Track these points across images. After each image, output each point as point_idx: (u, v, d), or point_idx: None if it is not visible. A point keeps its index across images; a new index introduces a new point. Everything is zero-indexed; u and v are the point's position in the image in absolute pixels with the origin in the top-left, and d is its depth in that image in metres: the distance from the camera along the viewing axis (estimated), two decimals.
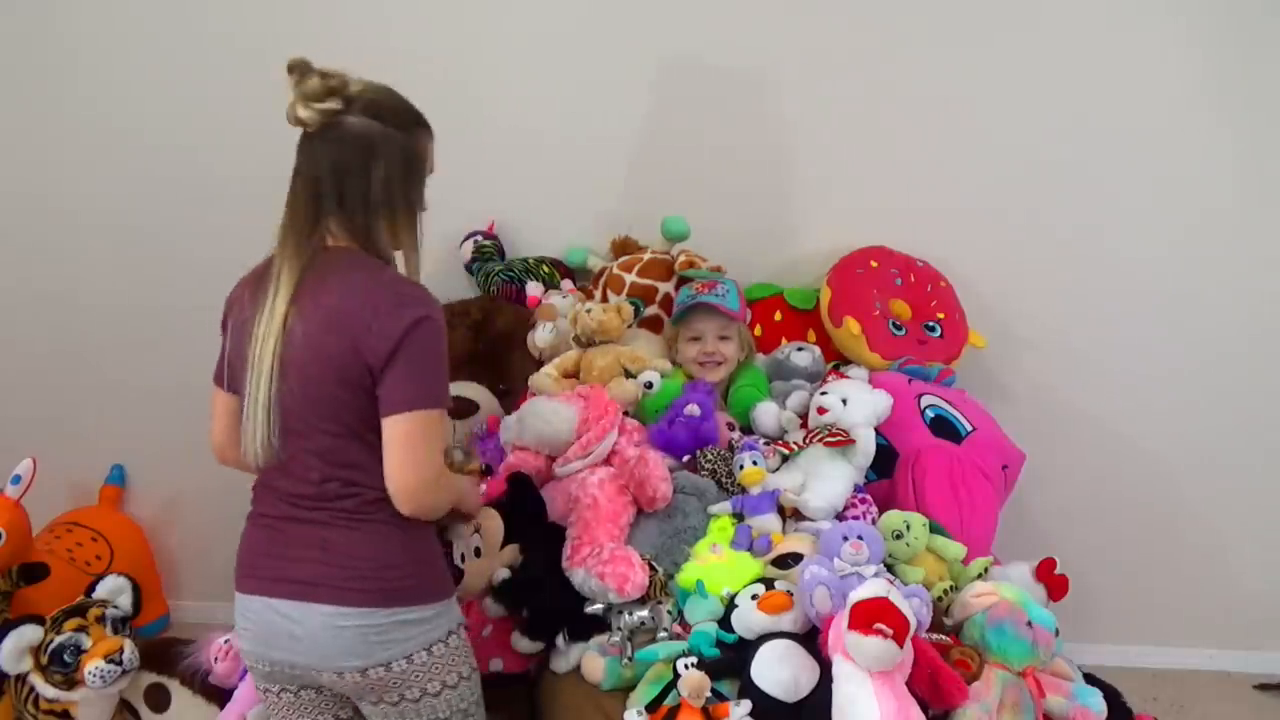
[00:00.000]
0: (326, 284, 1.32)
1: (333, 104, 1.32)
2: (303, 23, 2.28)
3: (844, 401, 1.92)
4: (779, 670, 1.47)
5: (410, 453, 1.29)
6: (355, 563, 1.34)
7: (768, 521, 1.81)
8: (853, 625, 1.37)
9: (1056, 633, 1.58)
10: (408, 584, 1.36)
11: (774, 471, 1.89)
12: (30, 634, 1.86)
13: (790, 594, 1.57)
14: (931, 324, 2.29)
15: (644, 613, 1.61)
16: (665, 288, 2.24)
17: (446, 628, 1.41)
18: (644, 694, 1.54)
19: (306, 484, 1.35)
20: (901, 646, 1.36)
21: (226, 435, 1.48)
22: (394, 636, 1.35)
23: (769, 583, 1.62)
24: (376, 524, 1.35)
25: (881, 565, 1.65)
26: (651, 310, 2.24)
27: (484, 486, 1.87)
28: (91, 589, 2.00)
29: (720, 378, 2.09)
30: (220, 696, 1.81)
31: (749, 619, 1.56)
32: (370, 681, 1.35)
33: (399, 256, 1.42)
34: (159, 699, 1.90)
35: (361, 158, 1.34)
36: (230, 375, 1.43)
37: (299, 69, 1.34)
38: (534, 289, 2.32)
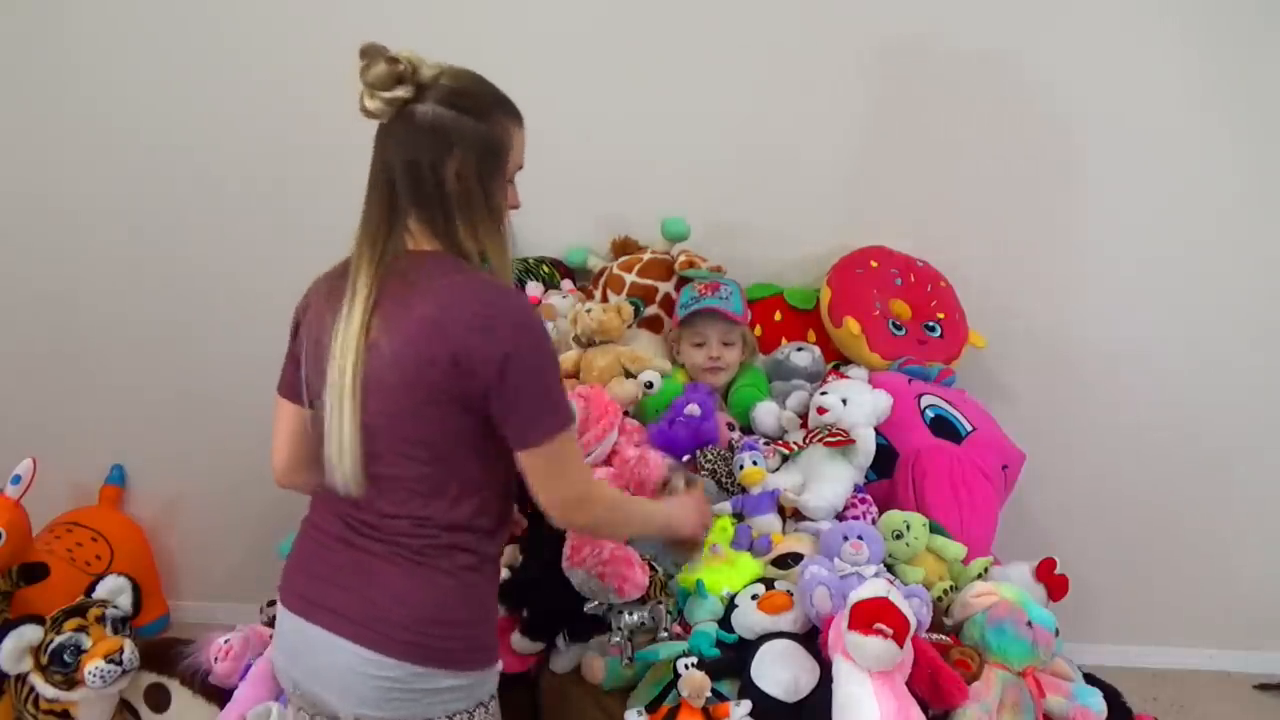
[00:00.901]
0: (416, 290, 1.19)
1: (401, 92, 1.20)
2: (303, 23, 2.28)
3: (844, 401, 1.92)
4: (779, 670, 1.47)
5: (555, 479, 1.22)
6: (402, 608, 1.21)
7: (768, 521, 1.81)
8: (853, 625, 1.37)
9: (1056, 633, 1.58)
10: (451, 645, 1.23)
11: (774, 471, 1.89)
12: (30, 634, 1.86)
13: (790, 594, 1.57)
14: (931, 324, 2.29)
15: (644, 613, 1.61)
16: (665, 288, 2.24)
17: (478, 699, 1.27)
18: (644, 694, 1.54)
19: (372, 512, 1.24)
20: (901, 646, 1.36)
21: (292, 456, 1.36)
22: (420, 698, 1.22)
23: (769, 583, 1.62)
24: (438, 572, 1.23)
25: (881, 565, 1.66)
26: (651, 310, 2.24)
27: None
28: (91, 589, 2.00)
29: (723, 383, 2.10)
30: (220, 696, 1.80)
31: (749, 619, 1.56)
32: None
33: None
34: (159, 699, 1.90)
35: (435, 150, 1.20)
36: (308, 390, 1.29)
37: (368, 55, 1.22)
38: (534, 289, 2.32)
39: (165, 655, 1.91)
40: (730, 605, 1.61)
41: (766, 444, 1.93)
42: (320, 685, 1.26)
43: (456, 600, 1.24)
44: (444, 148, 1.20)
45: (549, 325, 2.16)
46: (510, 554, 1.75)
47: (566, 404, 1.22)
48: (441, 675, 1.22)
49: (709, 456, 1.91)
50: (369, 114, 1.23)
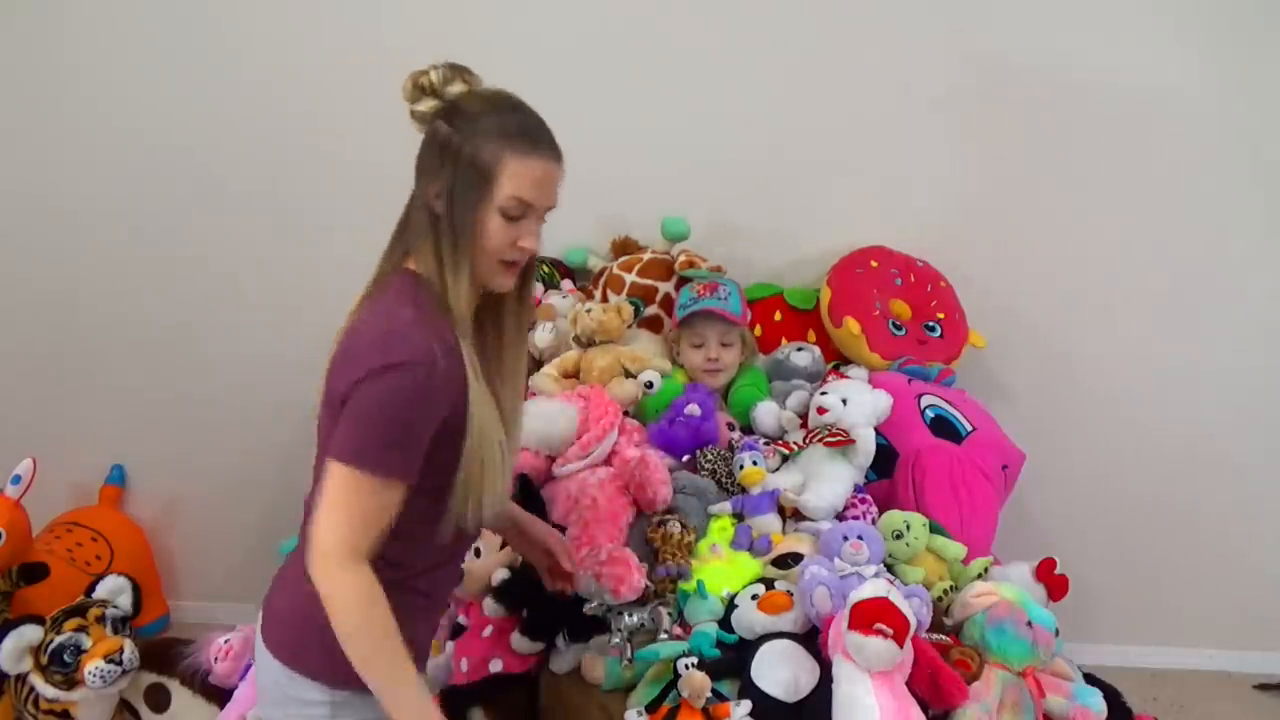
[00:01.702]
0: (359, 309, 1.21)
1: (423, 105, 1.17)
2: (303, 23, 2.28)
3: (844, 401, 1.92)
4: (779, 670, 1.47)
5: (323, 510, 1.12)
6: (288, 603, 1.23)
7: (768, 521, 1.81)
8: (853, 625, 1.37)
9: (1056, 633, 1.58)
10: (313, 651, 1.17)
11: (774, 471, 1.89)
12: (30, 634, 1.86)
13: (790, 594, 1.57)
14: (931, 324, 2.29)
15: (643, 614, 1.61)
16: (665, 288, 2.24)
17: None
18: (644, 694, 1.54)
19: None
20: (901, 646, 1.37)
21: None
22: (302, 707, 1.21)
23: (769, 583, 1.62)
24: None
25: (881, 565, 1.65)
26: (651, 310, 2.24)
27: None
28: (91, 589, 2.00)
29: (722, 383, 2.10)
30: (220, 696, 1.81)
31: (749, 619, 1.56)
32: None
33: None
34: (159, 699, 1.90)
35: (430, 167, 1.18)
36: None
37: (411, 75, 1.19)
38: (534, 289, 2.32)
39: (165, 655, 1.91)
40: (730, 605, 1.61)
41: (766, 444, 1.93)
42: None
43: (319, 610, 1.14)
44: (435, 165, 1.17)
45: (549, 325, 2.15)
46: (510, 554, 1.75)
47: (378, 452, 1.11)
48: (307, 684, 1.20)
49: (709, 456, 1.91)
50: (417, 125, 1.21)
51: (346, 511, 1.12)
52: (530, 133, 1.18)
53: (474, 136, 1.15)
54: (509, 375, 1.30)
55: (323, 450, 1.17)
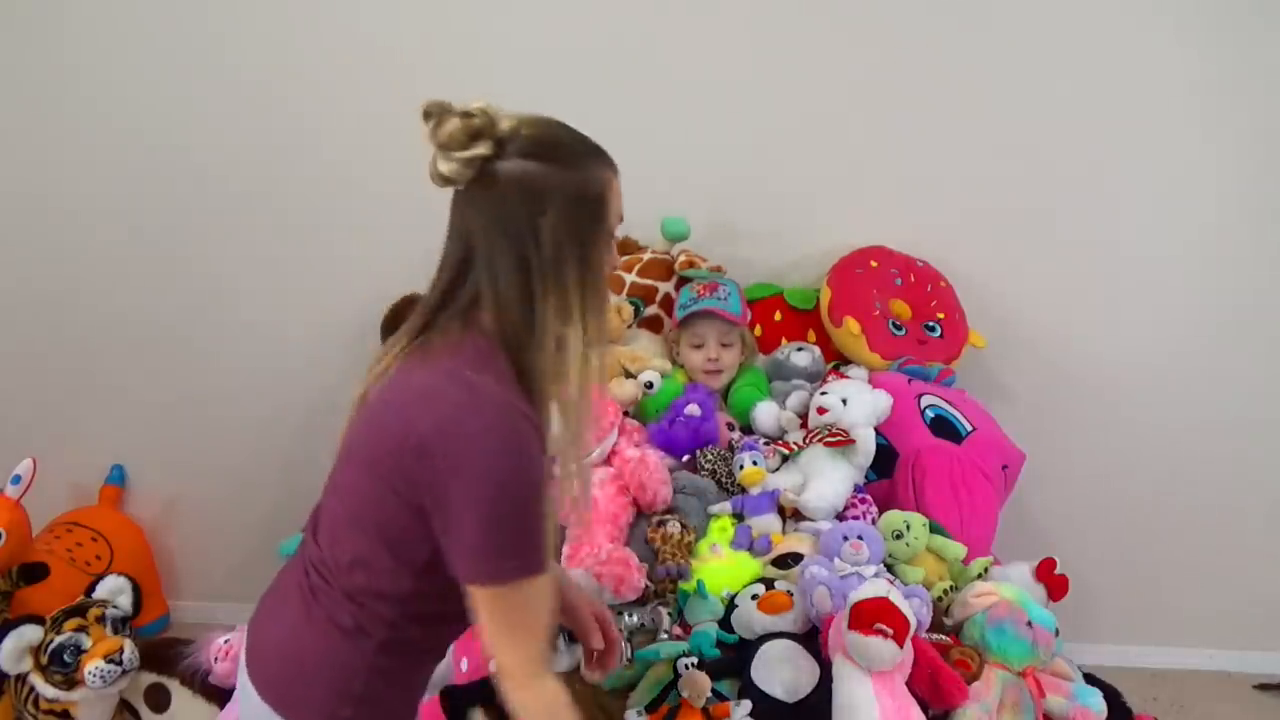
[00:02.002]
0: (411, 370, 1.08)
1: (481, 149, 1.03)
2: (303, 24, 2.28)
3: (844, 401, 1.92)
4: (779, 670, 1.47)
5: (496, 635, 1.03)
6: (285, 635, 1.15)
7: (768, 521, 1.81)
8: (853, 625, 1.37)
9: (1056, 633, 1.58)
10: (305, 698, 1.11)
11: (774, 471, 1.90)
12: (30, 634, 1.86)
13: (790, 594, 1.58)
14: (931, 324, 2.29)
15: (644, 614, 1.61)
16: (665, 288, 2.24)
17: None
18: (644, 694, 1.54)
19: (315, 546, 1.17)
20: (901, 646, 1.37)
21: None
22: None
23: (769, 583, 1.63)
24: (323, 620, 1.12)
25: (881, 565, 1.66)
26: (651, 310, 2.24)
27: None
28: (91, 589, 2.00)
29: (721, 385, 2.10)
30: (220, 696, 1.81)
31: (749, 619, 1.56)
32: None
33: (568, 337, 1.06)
34: (159, 699, 1.90)
35: (526, 209, 1.03)
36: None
37: (434, 113, 1.04)
38: None
39: (165, 655, 1.91)
40: (730, 605, 1.61)
41: (766, 444, 1.93)
42: None
43: (327, 663, 1.10)
44: (536, 206, 1.03)
45: None
46: None
47: (514, 560, 1.00)
48: None
49: (709, 456, 1.91)
50: (445, 180, 1.05)
51: (519, 629, 1.03)
52: (601, 149, 1.11)
53: (577, 163, 1.07)
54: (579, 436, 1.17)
55: (362, 489, 1.08)
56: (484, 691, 1.64)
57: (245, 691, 1.17)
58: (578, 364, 1.06)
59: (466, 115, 1.03)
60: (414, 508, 1.03)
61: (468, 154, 1.03)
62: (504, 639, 1.03)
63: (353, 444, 1.12)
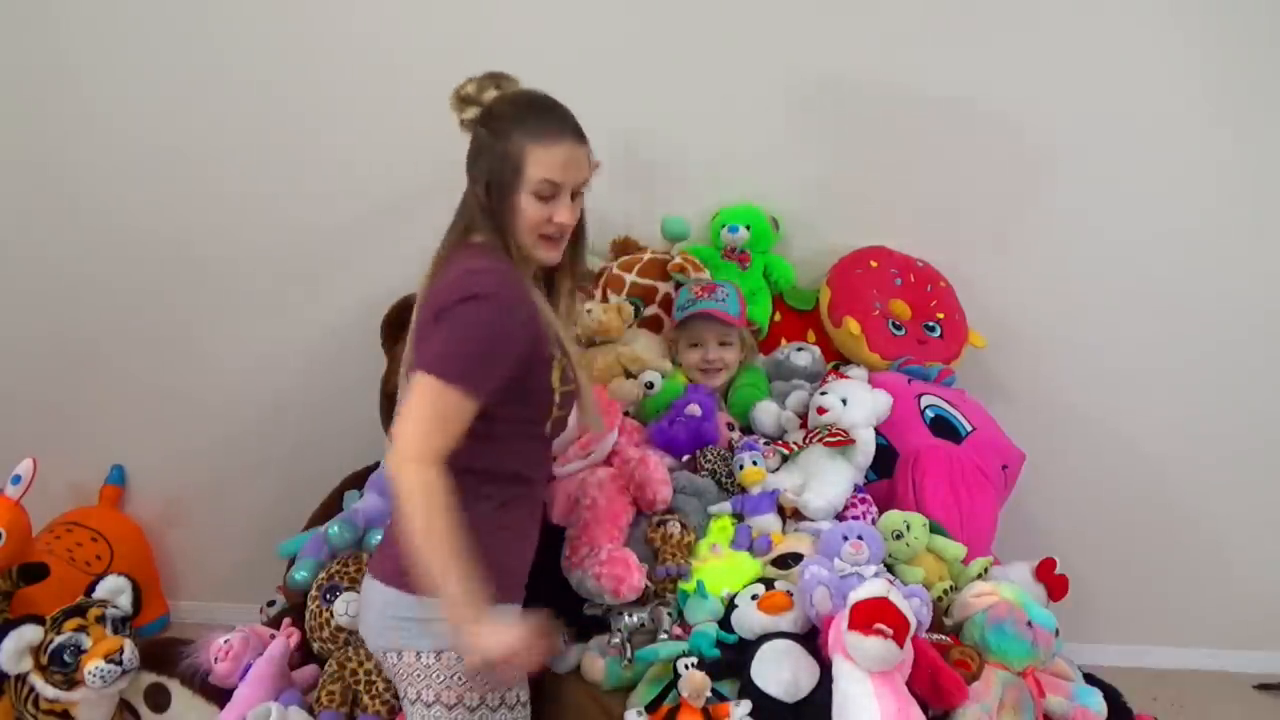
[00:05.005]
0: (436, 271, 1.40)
1: (470, 113, 1.38)
2: (302, 24, 2.28)
3: (844, 401, 1.92)
4: (779, 670, 1.47)
5: (403, 415, 1.26)
6: (388, 531, 1.38)
7: (768, 521, 1.81)
8: (853, 625, 1.37)
9: (1056, 633, 1.58)
10: (404, 564, 1.26)
11: (774, 471, 1.89)
12: (30, 634, 1.86)
13: (790, 594, 1.57)
14: (931, 324, 2.29)
15: (643, 614, 1.61)
16: (665, 288, 2.24)
17: (438, 645, 1.34)
18: (644, 694, 1.54)
19: None
20: (901, 646, 1.37)
21: None
22: (400, 625, 1.35)
23: (769, 583, 1.63)
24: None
25: (881, 565, 1.66)
26: (651, 310, 2.23)
27: None
28: (91, 589, 2.00)
29: (720, 384, 2.09)
30: (220, 696, 1.80)
31: (749, 619, 1.56)
32: (387, 667, 1.39)
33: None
34: (159, 699, 1.90)
35: (471, 164, 1.39)
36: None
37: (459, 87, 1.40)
38: None
39: (165, 655, 1.91)
40: (730, 605, 1.61)
41: (766, 444, 1.93)
42: (361, 628, 1.47)
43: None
44: (475, 163, 1.38)
45: None
46: None
47: (458, 363, 1.26)
48: (404, 600, 1.33)
49: (709, 456, 1.91)
50: (465, 131, 1.40)
51: (423, 415, 1.25)
52: (550, 123, 1.37)
53: (502, 134, 1.34)
54: (565, 334, 1.46)
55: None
56: None
57: (366, 591, 1.44)
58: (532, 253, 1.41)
59: (461, 85, 1.38)
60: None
61: (460, 115, 1.39)
62: (411, 418, 1.25)
63: (411, 342, 1.38)
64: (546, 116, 1.37)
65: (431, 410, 1.25)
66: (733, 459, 1.87)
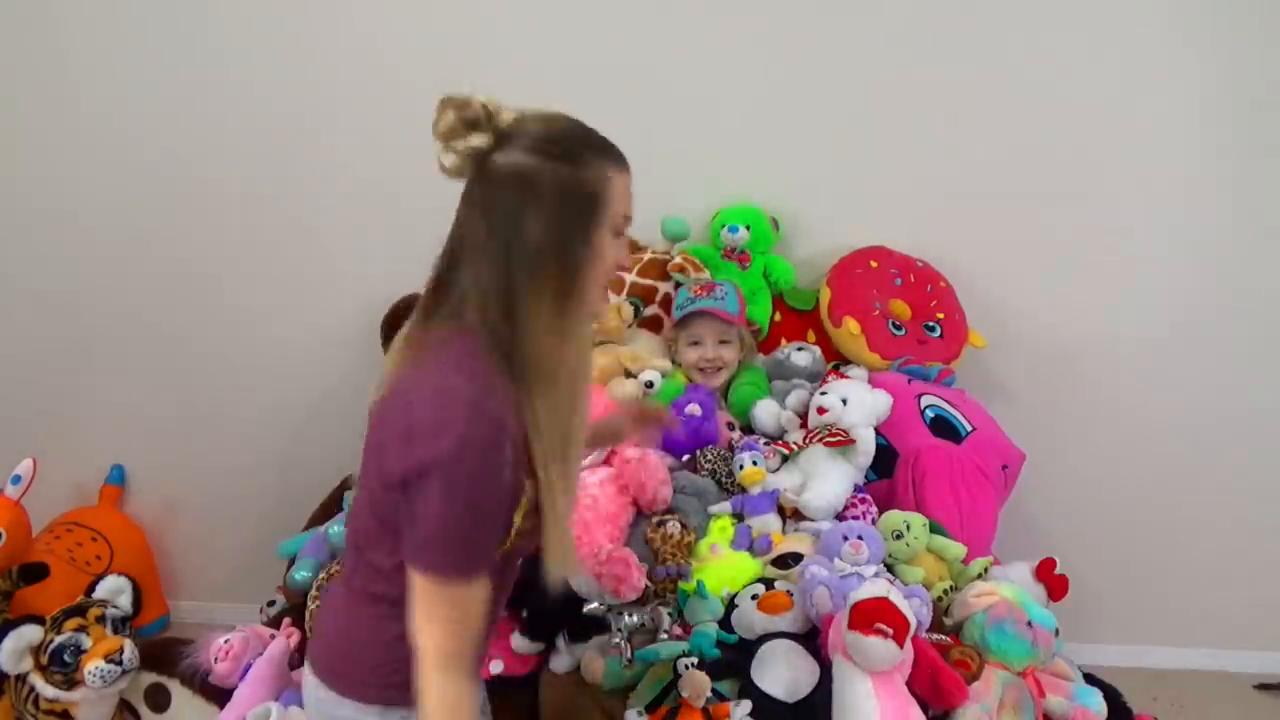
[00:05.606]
0: (406, 368, 1.10)
1: (476, 140, 1.03)
2: (302, 24, 2.28)
3: (844, 401, 1.92)
4: (779, 670, 1.47)
5: (421, 618, 1.07)
6: (327, 632, 1.26)
7: (768, 521, 1.81)
8: (853, 625, 1.37)
9: (1056, 633, 1.58)
10: (352, 672, 1.19)
11: (774, 471, 1.89)
12: (30, 634, 1.86)
13: (790, 594, 1.57)
14: (931, 324, 2.29)
15: (644, 614, 1.61)
16: (665, 288, 2.24)
17: None
18: (644, 694, 1.54)
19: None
20: (901, 646, 1.37)
21: None
22: None
23: (769, 583, 1.63)
24: (362, 597, 1.18)
25: (881, 565, 1.66)
26: (651, 310, 2.23)
27: None
28: (91, 589, 2.00)
29: (720, 383, 2.09)
30: (220, 696, 1.80)
31: (749, 619, 1.56)
32: None
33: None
34: (159, 699, 1.90)
35: (515, 200, 1.03)
36: None
37: (441, 105, 1.04)
38: None
39: (165, 655, 1.91)
40: (730, 605, 1.61)
41: (766, 444, 1.93)
42: None
43: (368, 631, 1.17)
44: (524, 197, 1.03)
45: None
46: None
47: (454, 556, 1.04)
48: (347, 703, 1.18)
49: (709, 456, 1.91)
50: (448, 173, 1.06)
51: (437, 616, 1.06)
52: (611, 146, 1.10)
53: (566, 160, 1.05)
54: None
55: (369, 479, 1.13)
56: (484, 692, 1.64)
57: (307, 685, 1.24)
58: (562, 364, 1.08)
59: (462, 105, 1.03)
60: (401, 493, 1.06)
61: (464, 144, 1.03)
62: (426, 626, 1.07)
63: (367, 434, 1.14)
64: (599, 138, 1.10)
65: (445, 612, 1.06)
66: (733, 459, 1.88)
